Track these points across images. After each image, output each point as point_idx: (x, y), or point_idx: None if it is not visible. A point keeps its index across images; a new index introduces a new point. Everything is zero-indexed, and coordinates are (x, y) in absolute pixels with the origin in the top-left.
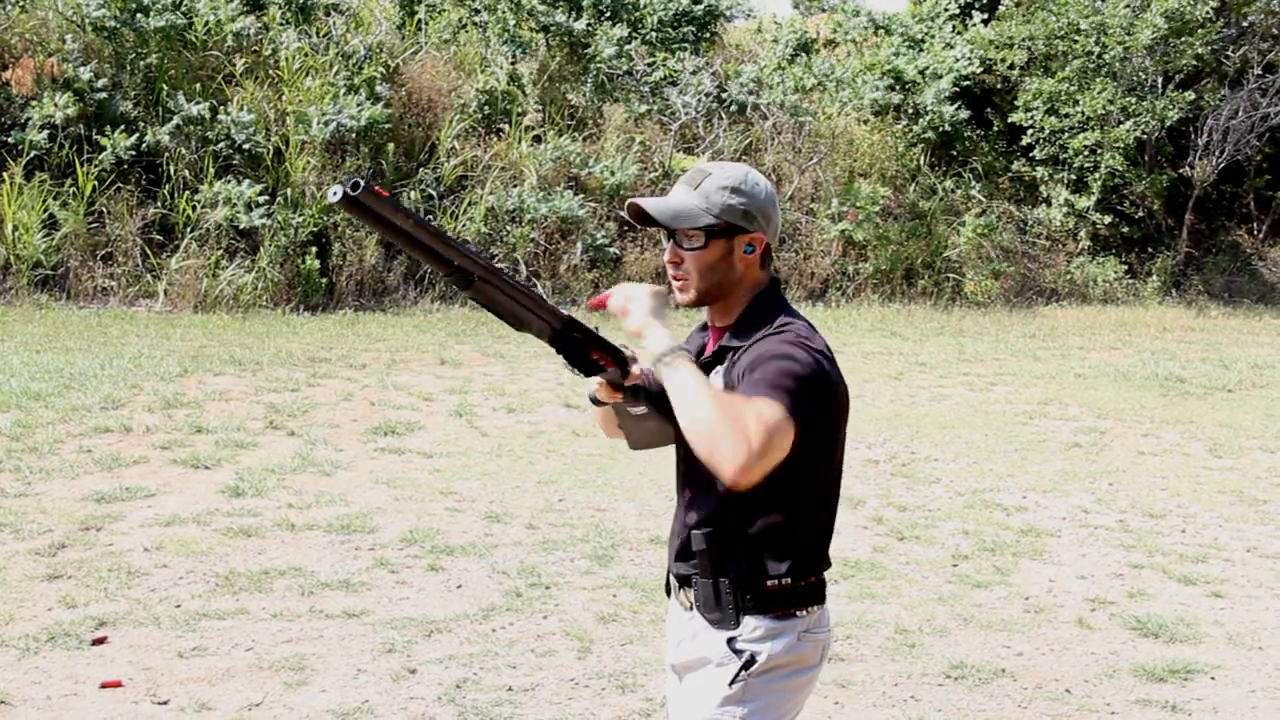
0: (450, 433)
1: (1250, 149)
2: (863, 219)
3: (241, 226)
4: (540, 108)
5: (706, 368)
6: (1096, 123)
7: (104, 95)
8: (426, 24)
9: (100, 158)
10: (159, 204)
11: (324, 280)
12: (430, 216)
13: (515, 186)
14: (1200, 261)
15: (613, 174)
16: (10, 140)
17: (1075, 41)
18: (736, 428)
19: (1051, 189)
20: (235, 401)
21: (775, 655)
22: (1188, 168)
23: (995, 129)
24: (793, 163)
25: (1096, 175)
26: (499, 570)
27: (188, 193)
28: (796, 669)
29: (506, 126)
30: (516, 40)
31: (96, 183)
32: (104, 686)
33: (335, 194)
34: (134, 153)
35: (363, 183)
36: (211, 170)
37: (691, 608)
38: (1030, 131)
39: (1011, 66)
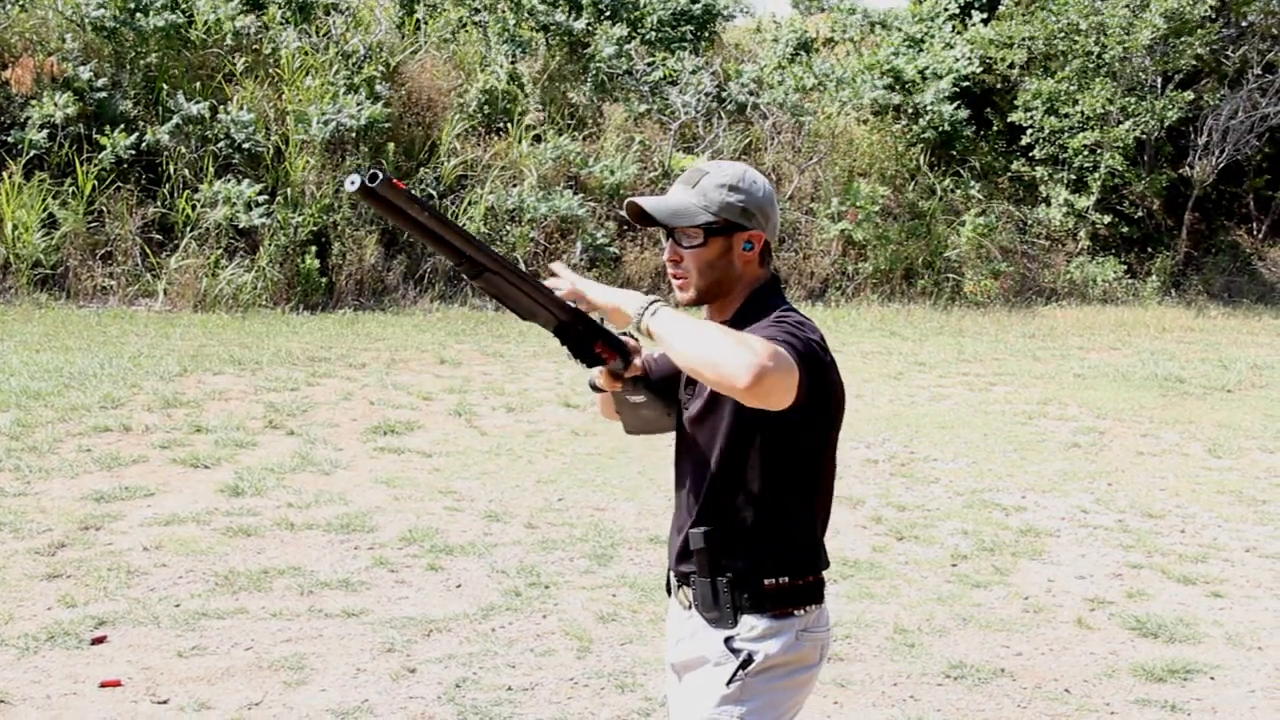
0: (449, 432)
1: (1250, 149)
2: (862, 219)
3: (241, 226)
4: (541, 107)
5: None
6: (1096, 122)
7: (104, 94)
8: (426, 23)
9: (100, 157)
10: (158, 203)
11: (323, 280)
12: None
13: (515, 186)
14: (1200, 261)
15: (612, 173)
16: (10, 139)
17: (1075, 41)
18: (739, 338)
19: (1051, 189)
20: (235, 401)
21: (773, 654)
22: (1187, 168)
23: (995, 129)
24: (792, 162)
25: (1096, 175)
26: (498, 569)
27: (187, 192)
28: (795, 668)
29: (508, 126)
30: (516, 40)
31: (96, 182)
32: (103, 686)
33: (353, 183)
34: (134, 152)
35: (380, 174)
36: (211, 169)
37: (690, 606)
38: (1030, 131)
39: (1011, 66)
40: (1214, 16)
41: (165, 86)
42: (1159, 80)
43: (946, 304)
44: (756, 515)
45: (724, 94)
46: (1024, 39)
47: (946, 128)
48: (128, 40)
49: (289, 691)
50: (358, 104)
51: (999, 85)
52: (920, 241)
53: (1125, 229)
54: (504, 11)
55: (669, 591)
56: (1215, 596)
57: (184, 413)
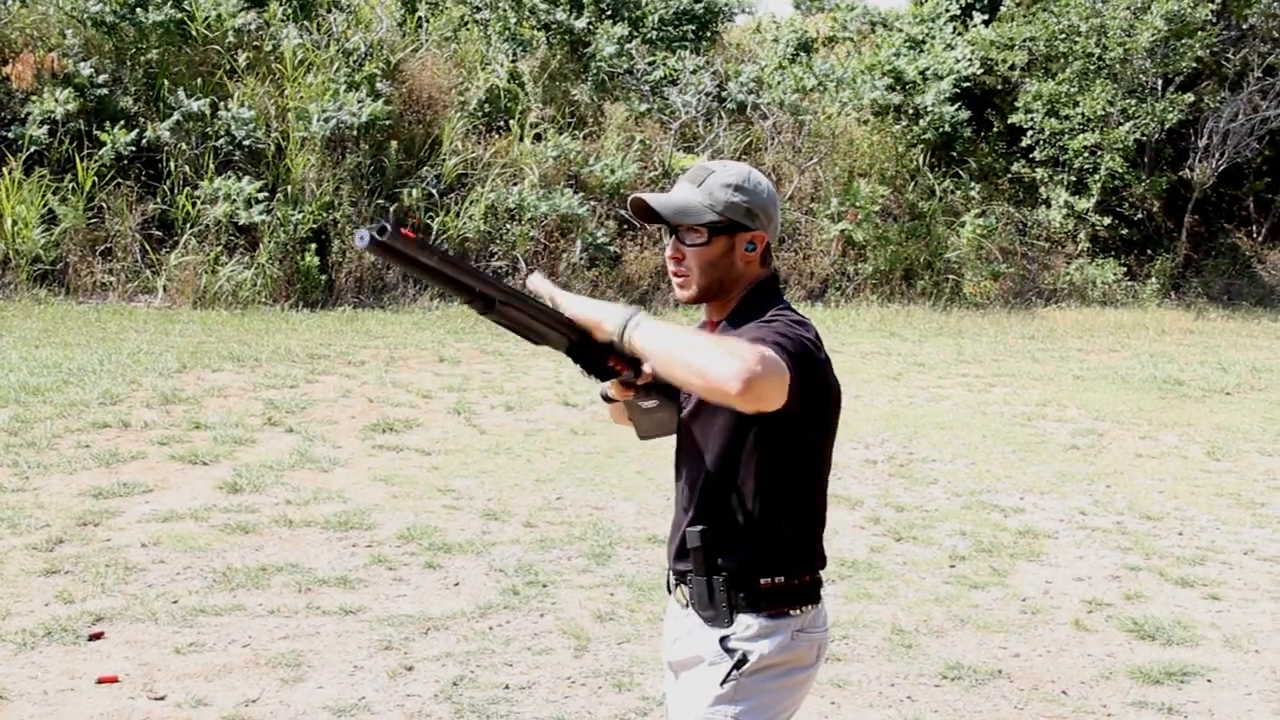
0: (448, 430)
1: (1250, 152)
2: (862, 219)
3: (241, 223)
4: (542, 106)
5: None
6: (1096, 124)
7: (104, 90)
8: (427, 21)
9: (100, 153)
10: (159, 200)
11: (323, 277)
12: (430, 214)
13: (515, 184)
14: (1199, 264)
15: (613, 172)
16: (10, 135)
17: (1075, 43)
18: (726, 346)
19: (1051, 190)
20: (234, 398)
21: (768, 654)
22: (1187, 170)
23: (995, 130)
24: (793, 162)
25: (1096, 177)
26: (496, 568)
27: (187, 189)
28: (790, 668)
29: (509, 124)
30: (517, 38)
31: (96, 178)
32: (100, 682)
33: (363, 239)
34: (134, 148)
35: (389, 226)
36: (211, 166)
37: (687, 605)
38: (1030, 133)
39: (1012, 68)
40: (1215, 19)
41: (166, 83)
42: (1159, 82)
43: (946, 305)
44: (752, 514)
45: (724, 94)
46: (1025, 40)
47: (947, 129)
48: (128, 36)
49: (286, 688)
50: (358, 101)
51: (1000, 86)
52: (920, 242)
53: (1125, 231)
54: (505, 10)
55: (669, 590)
56: (1213, 599)
57: (183, 409)
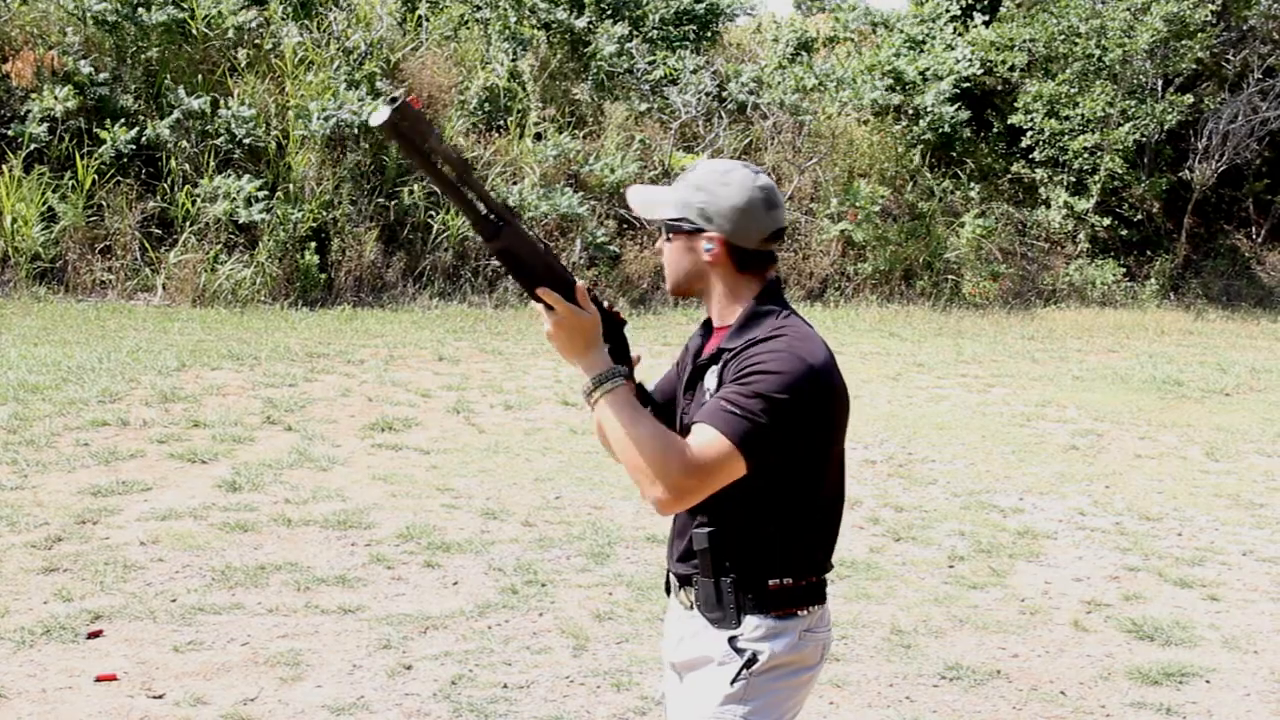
0: (448, 429)
1: (1250, 153)
2: (862, 219)
3: (241, 221)
4: (542, 105)
5: (703, 369)
6: (1096, 125)
7: (104, 88)
8: (427, 20)
9: (100, 151)
10: (158, 198)
11: (323, 276)
12: (430, 213)
13: (515, 184)
14: (1199, 265)
15: (612, 172)
16: (10, 133)
17: (1075, 44)
18: (663, 459)
19: (1051, 191)
20: (233, 396)
21: (776, 654)
22: (1187, 171)
23: (995, 130)
24: (793, 162)
25: (1096, 178)
26: (495, 567)
27: (187, 187)
28: (797, 668)
29: (509, 123)
30: (517, 37)
31: (96, 176)
32: (99, 680)
33: (381, 116)
34: (134, 146)
35: (400, 99)
36: (211, 164)
37: (692, 606)
38: (1030, 133)
39: (1012, 68)
40: (1214, 20)
41: (166, 81)
42: (1159, 83)
43: (945, 305)
44: (760, 517)
45: (724, 93)
46: (1025, 41)
47: (947, 129)
48: (129, 34)
49: (285, 687)
50: (359, 100)
51: (999, 87)
52: (919, 242)
53: (1124, 232)
54: (505, 9)
55: (668, 591)
56: (1212, 600)
57: (182, 408)
